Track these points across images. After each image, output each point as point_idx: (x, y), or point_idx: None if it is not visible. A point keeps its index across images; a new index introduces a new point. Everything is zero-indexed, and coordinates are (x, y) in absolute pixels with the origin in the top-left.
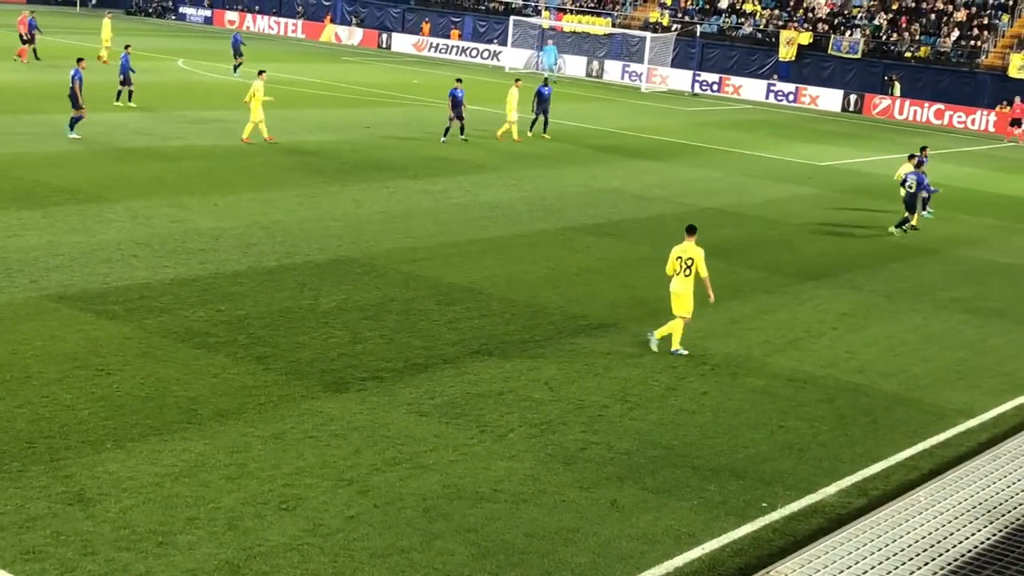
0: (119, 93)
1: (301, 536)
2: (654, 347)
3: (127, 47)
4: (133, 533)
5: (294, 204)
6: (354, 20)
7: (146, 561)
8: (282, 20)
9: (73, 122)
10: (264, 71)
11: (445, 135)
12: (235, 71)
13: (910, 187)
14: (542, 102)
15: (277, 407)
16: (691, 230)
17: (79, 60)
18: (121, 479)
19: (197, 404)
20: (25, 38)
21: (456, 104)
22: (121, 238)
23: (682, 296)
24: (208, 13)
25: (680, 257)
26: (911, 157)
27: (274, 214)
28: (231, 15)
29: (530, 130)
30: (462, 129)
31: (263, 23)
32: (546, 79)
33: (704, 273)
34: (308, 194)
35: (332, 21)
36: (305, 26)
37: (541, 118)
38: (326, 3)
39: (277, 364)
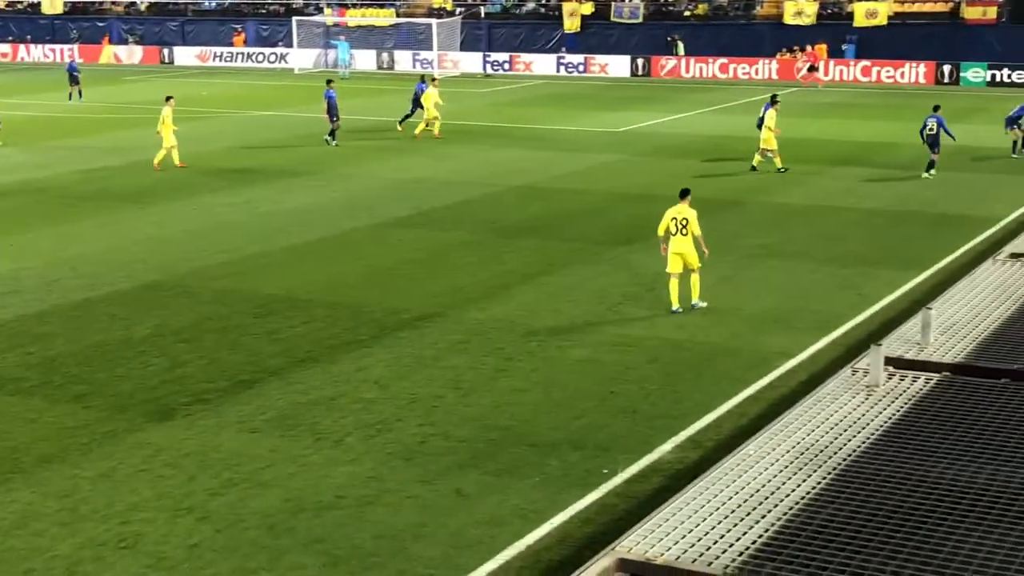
0: None
1: (144, 572)
2: (703, 305)
3: None
4: None
5: (93, 234)
6: (131, 39)
7: None
8: (57, 46)
9: None
10: (171, 97)
11: (333, 137)
12: (78, 97)
13: (931, 130)
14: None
15: (102, 445)
16: (684, 193)
17: None
18: None
19: (18, 452)
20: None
21: (331, 106)
22: None
23: (685, 253)
24: None
25: (675, 218)
26: (936, 108)
27: (74, 247)
28: (2, 47)
29: (399, 124)
30: (333, 133)
31: (37, 52)
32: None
33: (698, 232)
34: (107, 222)
35: (110, 42)
36: (82, 50)
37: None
38: (101, 24)
39: (96, 401)
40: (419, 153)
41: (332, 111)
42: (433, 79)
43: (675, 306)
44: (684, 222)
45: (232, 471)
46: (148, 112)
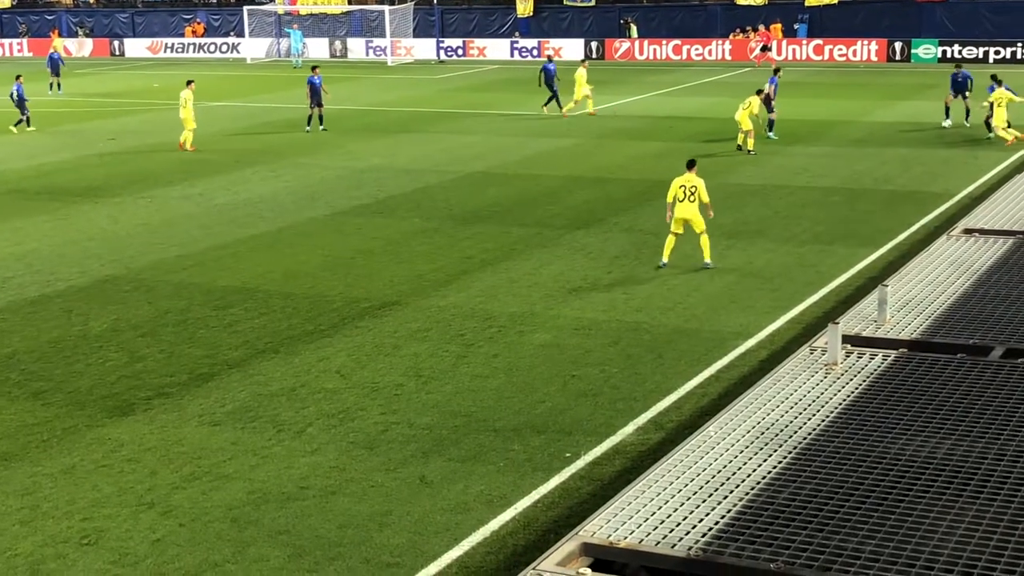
0: (19, 121)
1: (108, 569)
2: (712, 265)
3: (19, 77)
4: None
5: (47, 229)
6: (81, 31)
7: None
8: (6, 41)
9: None
10: (192, 81)
11: (308, 124)
12: (57, 89)
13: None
14: (548, 78)
15: (62, 441)
16: (691, 164)
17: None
18: None
19: None
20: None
21: (315, 92)
22: None
23: (694, 219)
24: None
25: (684, 186)
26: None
27: (27, 243)
28: None
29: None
30: (321, 118)
31: None
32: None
33: (706, 199)
34: (60, 217)
35: (59, 35)
36: (31, 44)
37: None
38: (49, 17)
39: (55, 397)
40: (373, 141)
41: (315, 96)
42: (583, 61)
43: (665, 260)
44: (693, 189)
45: (194, 464)
46: (99, 106)
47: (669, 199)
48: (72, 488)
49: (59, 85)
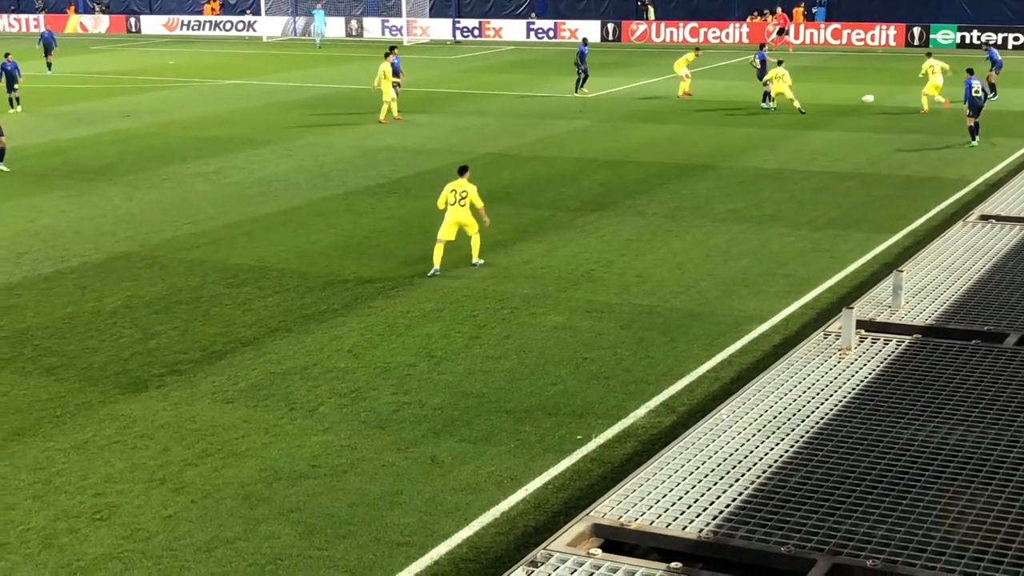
0: (13, 100)
1: (120, 544)
2: (481, 262)
3: (7, 55)
4: None
5: (62, 206)
6: (98, 7)
7: None
8: (23, 16)
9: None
10: (389, 53)
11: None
12: (47, 70)
13: (976, 92)
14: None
15: (75, 417)
16: (463, 170)
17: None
18: None
19: None
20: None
21: (395, 73)
22: None
23: (466, 222)
24: None
25: (455, 190)
26: (969, 71)
27: (42, 219)
28: None
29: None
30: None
31: (2, 22)
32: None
33: (480, 204)
34: (75, 193)
35: (75, 11)
36: (48, 19)
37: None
38: None
39: (69, 373)
40: (388, 122)
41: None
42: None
43: (436, 267)
44: (464, 194)
45: (207, 441)
46: (115, 82)
47: (440, 205)
48: (85, 463)
49: (49, 65)
